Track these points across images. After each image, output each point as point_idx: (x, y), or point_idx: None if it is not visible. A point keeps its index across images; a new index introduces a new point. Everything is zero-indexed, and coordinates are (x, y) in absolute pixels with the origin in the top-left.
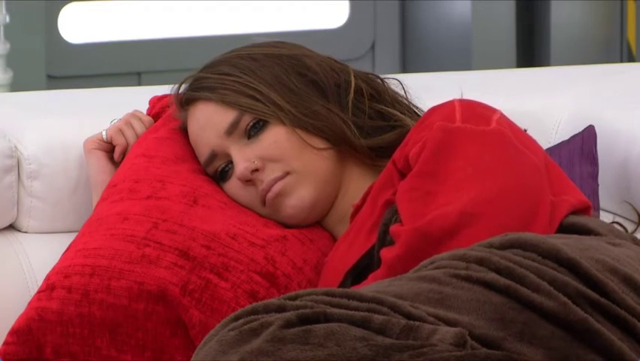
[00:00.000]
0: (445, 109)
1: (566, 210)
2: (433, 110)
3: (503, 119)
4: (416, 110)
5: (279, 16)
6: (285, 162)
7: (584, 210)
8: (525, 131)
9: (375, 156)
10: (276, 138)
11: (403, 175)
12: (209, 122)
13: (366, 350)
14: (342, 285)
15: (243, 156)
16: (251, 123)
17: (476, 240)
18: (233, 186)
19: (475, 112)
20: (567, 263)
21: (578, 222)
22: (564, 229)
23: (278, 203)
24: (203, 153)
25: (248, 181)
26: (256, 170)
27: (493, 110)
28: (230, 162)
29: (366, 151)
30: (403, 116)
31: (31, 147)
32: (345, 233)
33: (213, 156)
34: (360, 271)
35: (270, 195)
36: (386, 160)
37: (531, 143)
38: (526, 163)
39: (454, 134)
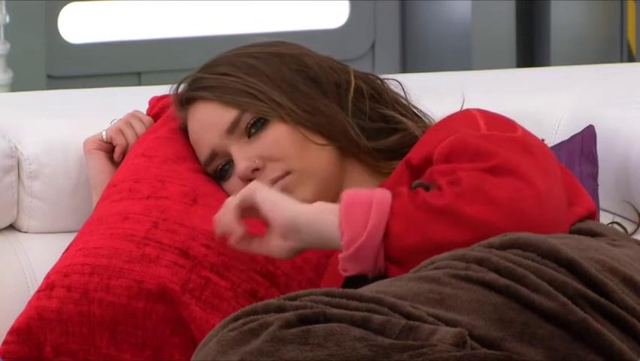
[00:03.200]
0: (465, 118)
1: (573, 220)
2: (451, 117)
3: (526, 131)
4: (416, 112)
5: (279, 16)
6: (286, 161)
7: (590, 216)
8: (543, 140)
9: (377, 157)
10: (277, 137)
11: (415, 174)
12: (210, 121)
13: (366, 350)
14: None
15: (243, 155)
16: (251, 121)
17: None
18: (233, 185)
19: (498, 121)
20: (567, 263)
21: (583, 227)
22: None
23: None
24: (203, 153)
25: (249, 180)
26: (257, 169)
27: (512, 121)
28: (231, 160)
29: (369, 150)
30: (404, 119)
31: (31, 147)
32: None
33: (214, 155)
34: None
35: None
36: (387, 162)
37: (549, 153)
38: (555, 176)
39: (483, 139)
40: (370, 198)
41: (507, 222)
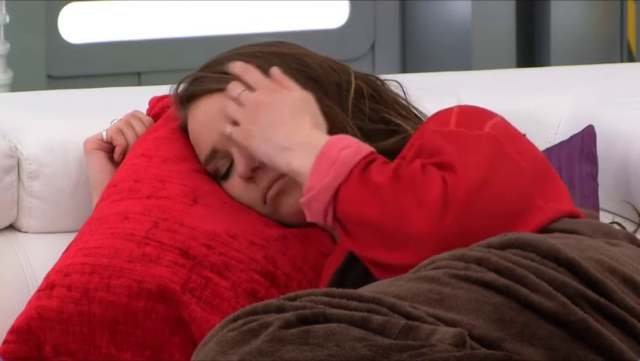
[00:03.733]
0: (442, 115)
1: (550, 216)
2: (433, 115)
3: (500, 125)
4: (416, 112)
5: (279, 16)
6: None
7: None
8: (524, 135)
9: None
10: None
11: None
12: (210, 119)
13: (366, 350)
14: (333, 281)
15: (244, 154)
16: None
17: None
18: (233, 184)
19: (471, 117)
20: (566, 263)
21: (566, 227)
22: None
23: (278, 202)
24: (203, 151)
25: (249, 179)
26: (257, 168)
27: (491, 116)
28: (231, 159)
29: None
30: (403, 121)
31: (31, 147)
32: None
33: (214, 153)
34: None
35: (270, 193)
36: None
37: (527, 149)
38: (512, 169)
39: (446, 136)
40: (338, 156)
41: (425, 221)
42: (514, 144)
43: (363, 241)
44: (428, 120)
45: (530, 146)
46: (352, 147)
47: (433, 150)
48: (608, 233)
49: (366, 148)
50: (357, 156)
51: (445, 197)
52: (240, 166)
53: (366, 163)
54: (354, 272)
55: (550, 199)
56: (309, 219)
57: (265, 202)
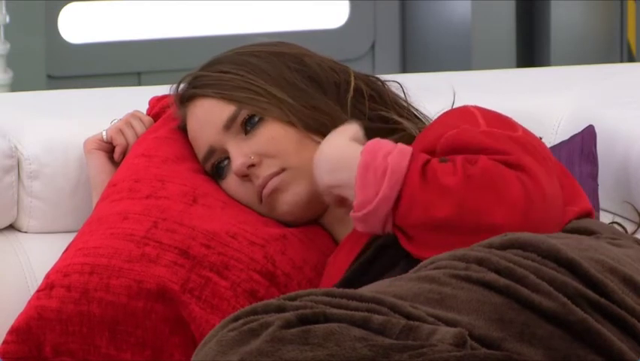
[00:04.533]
0: (464, 114)
1: (568, 219)
2: (449, 113)
3: (525, 130)
4: (416, 113)
5: (279, 16)
6: (282, 158)
7: (587, 216)
8: (540, 139)
9: None
10: (273, 133)
11: None
12: (208, 117)
13: (366, 350)
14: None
15: (239, 152)
16: (246, 117)
17: None
18: (231, 183)
19: (496, 118)
20: (567, 263)
21: (580, 226)
22: (567, 232)
23: (274, 199)
24: (201, 150)
25: (245, 177)
26: (252, 165)
27: (508, 119)
28: (228, 157)
29: None
30: (402, 120)
31: (31, 147)
32: (349, 235)
33: (211, 151)
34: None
35: (265, 190)
36: None
37: (547, 152)
38: (555, 171)
39: (491, 136)
40: (386, 164)
41: (509, 218)
42: (541, 148)
43: (429, 244)
44: (446, 117)
45: (546, 147)
46: (395, 151)
47: (481, 149)
48: (613, 233)
49: (407, 148)
50: (404, 160)
51: (527, 194)
52: (236, 163)
53: (421, 166)
54: (374, 270)
55: (568, 201)
56: (360, 230)
57: (261, 200)
